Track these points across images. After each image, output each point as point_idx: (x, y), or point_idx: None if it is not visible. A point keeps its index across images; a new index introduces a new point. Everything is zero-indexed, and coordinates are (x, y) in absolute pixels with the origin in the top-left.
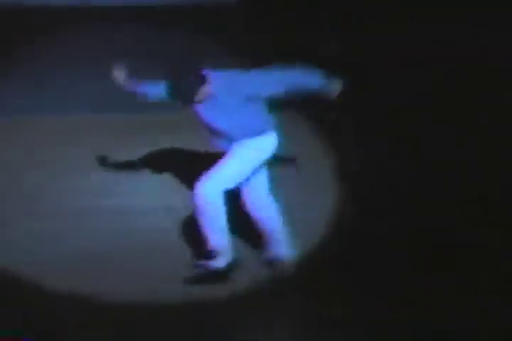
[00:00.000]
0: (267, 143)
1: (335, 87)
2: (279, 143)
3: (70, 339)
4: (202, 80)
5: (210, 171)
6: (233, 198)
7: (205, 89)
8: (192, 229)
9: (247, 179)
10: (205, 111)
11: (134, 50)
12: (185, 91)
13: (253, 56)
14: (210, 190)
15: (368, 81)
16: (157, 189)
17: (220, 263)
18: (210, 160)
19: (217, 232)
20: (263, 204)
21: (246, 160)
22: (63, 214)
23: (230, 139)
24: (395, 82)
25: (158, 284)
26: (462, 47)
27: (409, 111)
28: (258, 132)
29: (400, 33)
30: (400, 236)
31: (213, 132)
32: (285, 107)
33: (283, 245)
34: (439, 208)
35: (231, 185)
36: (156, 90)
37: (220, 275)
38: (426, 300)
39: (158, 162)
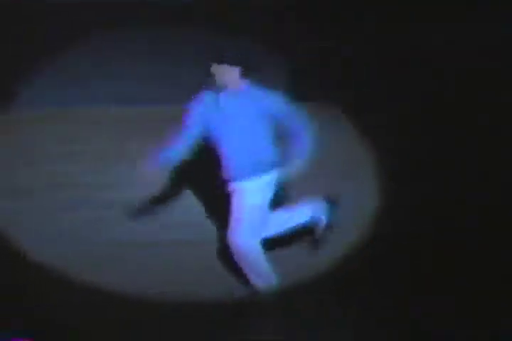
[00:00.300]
0: (273, 181)
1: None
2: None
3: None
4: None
5: (239, 219)
6: None
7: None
8: None
9: None
10: (229, 106)
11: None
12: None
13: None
14: (247, 240)
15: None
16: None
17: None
18: None
19: (261, 275)
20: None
21: (266, 205)
22: (117, 204)
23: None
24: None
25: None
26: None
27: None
28: (268, 168)
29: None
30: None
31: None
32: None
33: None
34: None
35: (261, 234)
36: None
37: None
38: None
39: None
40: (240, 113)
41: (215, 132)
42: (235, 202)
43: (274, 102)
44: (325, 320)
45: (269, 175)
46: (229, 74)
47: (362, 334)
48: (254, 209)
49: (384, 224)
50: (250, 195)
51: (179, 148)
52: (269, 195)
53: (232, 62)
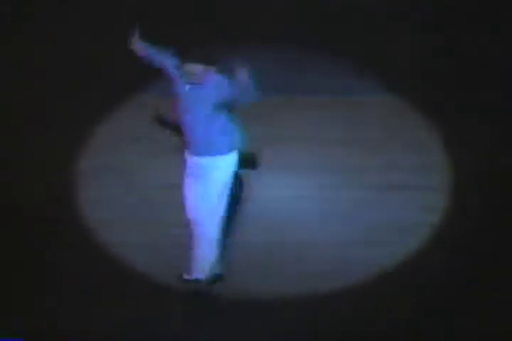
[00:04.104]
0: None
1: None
2: None
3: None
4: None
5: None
6: None
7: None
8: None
9: None
10: (193, 96)
11: None
12: (206, 53)
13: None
14: (207, 220)
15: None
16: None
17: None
18: None
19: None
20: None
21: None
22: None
23: (199, 148)
24: None
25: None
26: None
27: None
28: (228, 150)
29: None
30: None
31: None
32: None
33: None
34: None
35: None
36: (163, 56)
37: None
38: None
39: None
40: (203, 98)
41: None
42: (197, 176)
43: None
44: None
45: (227, 156)
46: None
47: None
48: (218, 185)
49: (451, 224)
50: (215, 171)
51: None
52: (229, 174)
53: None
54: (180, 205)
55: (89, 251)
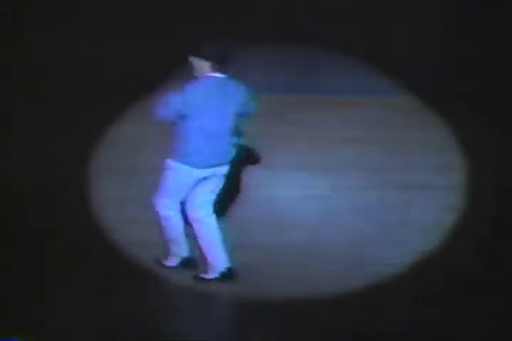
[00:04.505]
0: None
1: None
2: None
3: None
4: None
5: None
6: None
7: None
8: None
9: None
10: (212, 108)
11: None
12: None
13: None
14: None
15: None
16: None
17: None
18: None
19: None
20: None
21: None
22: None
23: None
24: None
25: None
26: None
27: None
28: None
29: None
30: None
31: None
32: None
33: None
34: None
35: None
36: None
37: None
38: None
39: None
40: (215, 104)
41: (188, 116)
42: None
43: (244, 96)
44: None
45: (225, 167)
46: (201, 67)
47: None
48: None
49: (471, 224)
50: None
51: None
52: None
53: (207, 57)
54: None
55: (104, 250)
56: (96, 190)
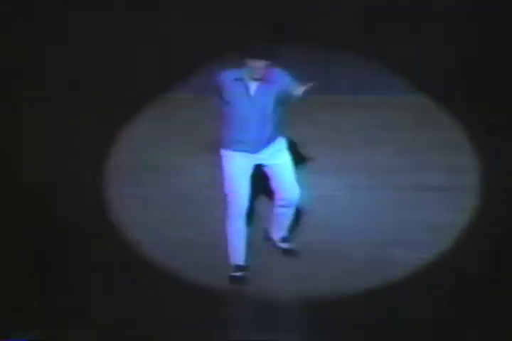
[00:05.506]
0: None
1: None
2: None
3: None
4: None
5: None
6: None
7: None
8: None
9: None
10: (257, 93)
11: None
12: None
13: None
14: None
15: None
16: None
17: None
18: None
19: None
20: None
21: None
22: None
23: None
24: None
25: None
26: None
27: None
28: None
29: None
30: None
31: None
32: None
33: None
34: None
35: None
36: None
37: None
38: None
39: None
40: (263, 95)
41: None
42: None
43: (291, 87)
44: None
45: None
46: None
47: None
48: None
49: (482, 224)
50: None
51: None
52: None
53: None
54: (213, 203)
55: (123, 249)
56: (110, 189)
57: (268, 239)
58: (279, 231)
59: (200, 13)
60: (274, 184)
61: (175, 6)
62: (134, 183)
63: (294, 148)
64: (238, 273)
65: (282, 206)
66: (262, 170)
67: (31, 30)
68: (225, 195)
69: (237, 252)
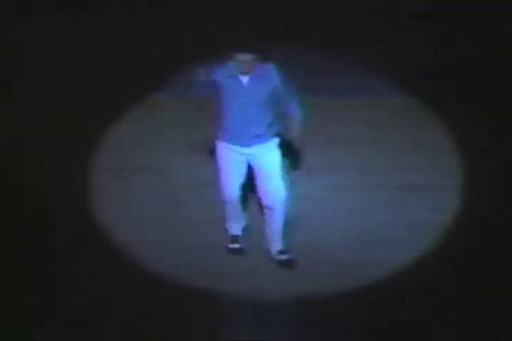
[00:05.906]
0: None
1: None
2: None
3: None
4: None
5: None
6: None
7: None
8: None
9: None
10: (244, 87)
11: None
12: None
13: None
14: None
15: None
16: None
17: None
18: None
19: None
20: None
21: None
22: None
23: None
24: None
25: None
26: None
27: None
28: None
29: None
30: None
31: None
32: None
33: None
34: None
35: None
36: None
37: None
38: None
39: None
40: (255, 88)
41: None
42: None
43: (282, 84)
44: None
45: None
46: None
47: None
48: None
49: (467, 224)
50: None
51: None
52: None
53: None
54: (205, 204)
55: (110, 250)
56: (97, 189)
57: (271, 259)
58: (274, 243)
59: (187, 13)
60: (260, 183)
61: (162, 7)
62: (120, 184)
63: (290, 150)
64: (236, 245)
65: (267, 207)
66: (252, 170)
67: (31, 30)
68: (218, 184)
69: (234, 222)
